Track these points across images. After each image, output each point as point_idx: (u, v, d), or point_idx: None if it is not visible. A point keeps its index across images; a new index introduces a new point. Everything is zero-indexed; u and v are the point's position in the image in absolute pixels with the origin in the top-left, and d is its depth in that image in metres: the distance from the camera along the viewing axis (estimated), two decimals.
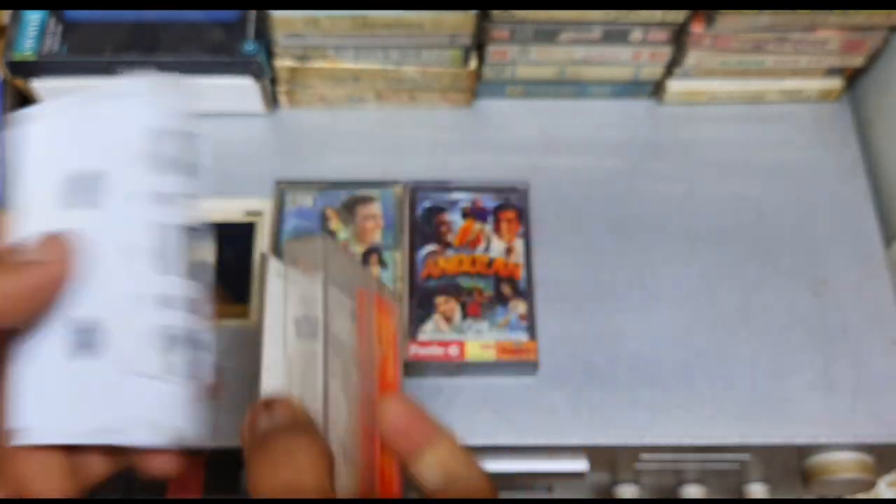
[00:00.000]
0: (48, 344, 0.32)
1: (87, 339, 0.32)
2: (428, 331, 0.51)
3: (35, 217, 0.33)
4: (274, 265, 0.34)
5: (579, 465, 0.51)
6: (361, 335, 0.34)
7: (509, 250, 0.54)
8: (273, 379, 0.32)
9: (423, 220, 0.55)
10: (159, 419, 0.32)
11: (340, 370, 0.33)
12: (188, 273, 0.33)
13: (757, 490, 0.58)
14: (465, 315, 0.52)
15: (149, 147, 0.33)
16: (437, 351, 0.50)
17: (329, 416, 0.31)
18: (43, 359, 0.32)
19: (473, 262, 0.53)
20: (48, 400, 0.32)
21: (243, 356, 0.51)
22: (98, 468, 0.34)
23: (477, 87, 0.60)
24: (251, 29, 0.55)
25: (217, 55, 0.55)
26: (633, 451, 0.52)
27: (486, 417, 0.51)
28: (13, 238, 0.33)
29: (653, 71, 0.59)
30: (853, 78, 0.62)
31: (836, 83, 0.61)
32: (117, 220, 0.32)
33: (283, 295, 0.33)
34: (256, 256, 0.54)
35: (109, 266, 0.32)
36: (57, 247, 0.32)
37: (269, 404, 0.31)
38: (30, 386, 0.32)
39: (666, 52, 0.57)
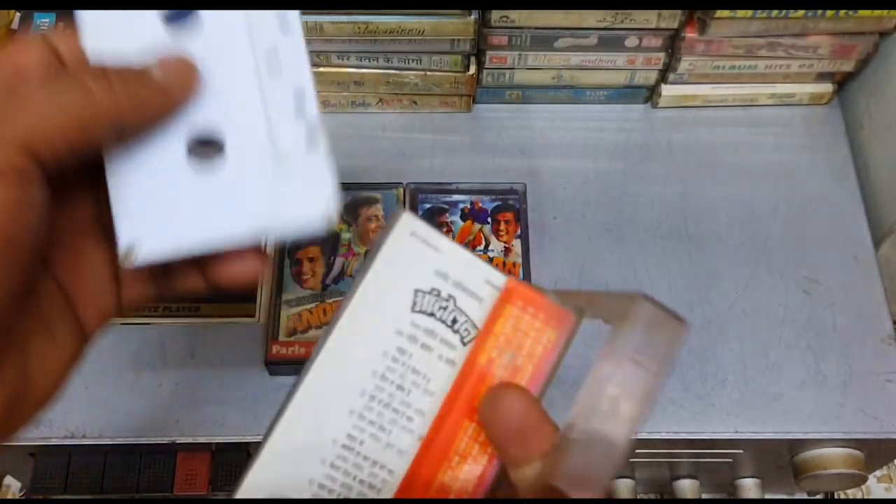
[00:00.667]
0: (167, 151, 0.30)
1: (208, 145, 0.30)
2: None
3: (135, 28, 0.31)
4: (410, 219, 0.31)
5: None
6: (487, 331, 0.30)
7: (507, 250, 0.55)
8: (348, 342, 0.29)
9: (424, 220, 0.56)
10: (308, 204, 0.31)
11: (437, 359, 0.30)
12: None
13: (749, 484, 0.59)
14: None
15: None
16: None
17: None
18: (163, 167, 0.30)
19: None
20: (171, 210, 0.30)
21: (249, 355, 0.53)
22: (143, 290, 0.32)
23: (476, 92, 0.61)
24: None
25: None
26: None
27: None
28: (104, 43, 0.30)
29: (647, 76, 0.60)
30: (844, 82, 0.63)
31: (826, 87, 0.62)
32: (222, 30, 0.31)
33: (411, 257, 0.31)
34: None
35: (222, 74, 0.31)
36: (179, 70, 0.30)
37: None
38: (148, 196, 0.30)
39: (660, 58, 0.59)
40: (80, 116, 0.27)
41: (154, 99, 0.29)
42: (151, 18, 0.31)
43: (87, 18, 0.31)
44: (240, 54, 0.31)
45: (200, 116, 0.30)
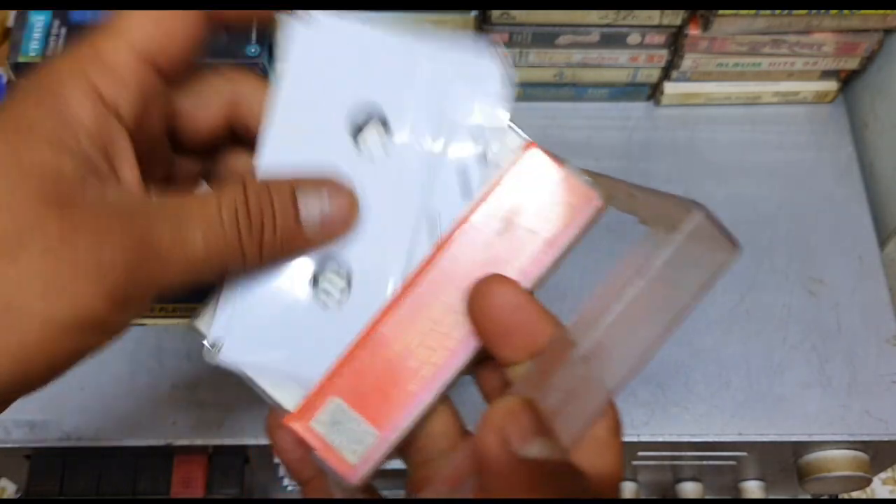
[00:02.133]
0: (293, 273, 0.29)
1: (336, 276, 0.29)
2: None
3: (312, 141, 0.29)
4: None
5: None
6: (490, 190, 0.28)
7: None
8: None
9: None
10: None
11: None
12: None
13: (753, 487, 0.58)
14: None
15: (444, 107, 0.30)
16: None
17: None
18: (281, 286, 0.29)
19: None
20: (275, 328, 0.29)
21: None
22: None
23: None
24: (254, 32, 0.56)
25: (220, 58, 0.55)
26: (631, 448, 0.52)
27: None
28: (277, 153, 0.28)
29: (650, 73, 0.60)
30: (848, 80, 0.62)
31: (831, 85, 0.62)
32: (394, 166, 0.29)
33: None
34: None
35: (381, 216, 0.29)
36: (344, 203, 0.28)
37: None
38: (258, 305, 0.29)
39: (663, 55, 0.58)
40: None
41: (301, 242, 0.27)
42: (340, 133, 0.29)
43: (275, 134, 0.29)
44: (408, 205, 0.29)
45: (343, 251, 0.29)
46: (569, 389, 0.24)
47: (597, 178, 0.29)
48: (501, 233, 0.28)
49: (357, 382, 0.28)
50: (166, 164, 0.29)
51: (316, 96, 0.30)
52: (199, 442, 0.49)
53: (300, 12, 0.30)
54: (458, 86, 0.30)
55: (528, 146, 0.29)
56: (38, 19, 0.56)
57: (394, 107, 0.30)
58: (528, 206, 0.28)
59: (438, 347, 0.28)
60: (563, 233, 0.28)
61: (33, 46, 0.55)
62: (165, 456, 0.50)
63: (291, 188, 0.27)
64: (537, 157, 0.29)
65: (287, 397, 0.28)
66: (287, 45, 0.30)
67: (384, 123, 0.30)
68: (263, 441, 0.50)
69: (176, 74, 0.27)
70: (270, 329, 0.29)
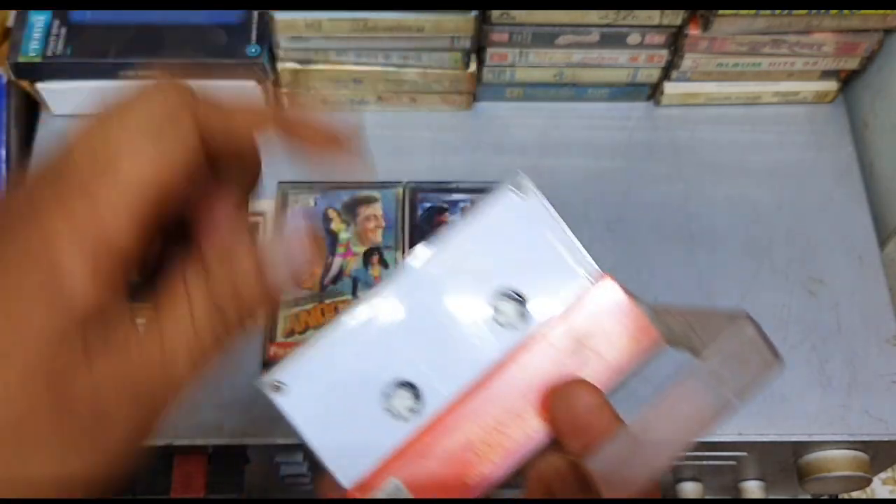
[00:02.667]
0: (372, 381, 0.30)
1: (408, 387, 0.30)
2: None
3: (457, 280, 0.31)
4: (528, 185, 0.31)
5: None
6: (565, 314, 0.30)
7: None
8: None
9: (424, 220, 0.55)
10: None
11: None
12: None
13: (753, 487, 0.58)
14: None
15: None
16: None
17: None
18: (352, 387, 0.30)
19: None
20: (334, 405, 0.30)
21: (247, 356, 0.52)
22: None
23: (477, 90, 0.61)
24: (254, 32, 0.56)
25: (220, 58, 0.55)
26: None
27: None
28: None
29: (650, 73, 0.60)
30: (848, 80, 0.62)
31: (831, 85, 0.62)
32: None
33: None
34: None
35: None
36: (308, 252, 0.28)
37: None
38: (321, 378, 0.30)
39: (663, 55, 0.58)
40: None
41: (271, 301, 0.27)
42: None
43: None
44: (479, 324, 0.30)
45: (413, 371, 0.30)
46: (615, 459, 0.26)
47: (659, 314, 0.31)
48: (571, 352, 0.30)
49: (417, 466, 0.29)
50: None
51: (482, 255, 0.31)
52: (199, 442, 0.49)
53: (526, 183, 0.32)
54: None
55: (603, 276, 0.31)
56: (38, 19, 0.56)
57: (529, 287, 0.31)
58: (598, 332, 0.30)
59: (497, 446, 0.29)
60: (626, 362, 0.30)
61: (33, 46, 0.55)
62: (165, 456, 0.50)
63: (255, 261, 0.26)
64: (612, 289, 0.31)
65: (341, 472, 0.29)
66: (492, 203, 0.32)
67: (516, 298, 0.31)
68: (263, 441, 0.50)
69: (178, 197, 0.26)
70: (336, 409, 0.30)
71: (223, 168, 0.28)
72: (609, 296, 0.31)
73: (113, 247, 0.24)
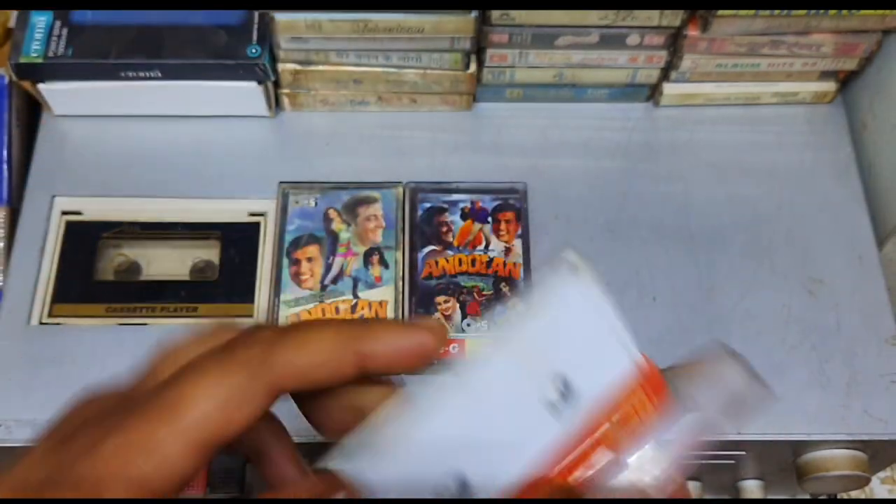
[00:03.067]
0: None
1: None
2: None
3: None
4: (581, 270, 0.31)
5: None
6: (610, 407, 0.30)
7: (508, 250, 0.55)
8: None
9: (424, 220, 0.55)
10: None
11: None
12: None
13: (752, 486, 0.58)
14: (464, 314, 0.52)
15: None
16: None
17: None
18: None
19: (473, 261, 0.54)
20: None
21: None
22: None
23: (476, 91, 0.61)
24: (254, 33, 0.56)
25: (221, 59, 0.56)
26: None
27: None
28: None
29: (649, 74, 0.60)
30: (847, 80, 0.63)
31: (830, 86, 0.62)
32: None
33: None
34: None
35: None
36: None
37: None
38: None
39: (662, 56, 0.58)
40: None
41: None
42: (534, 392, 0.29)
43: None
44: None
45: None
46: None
47: (669, 378, 0.31)
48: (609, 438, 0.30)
49: None
50: None
51: (537, 340, 0.30)
52: None
53: (576, 261, 0.32)
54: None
55: (647, 369, 0.31)
56: (40, 20, 0.57)
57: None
58: (634, 419, 0.30)
59: None
60: (649, 434, 0.30)
61: (35, 47, 0.56)
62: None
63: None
64: (654, 376, 0.31)
65: None
66: (550, 291, 0.31)
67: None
68: None
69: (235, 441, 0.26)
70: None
71: None
72: (647, 379, 0.31)
73: (166, 474, 0.24)
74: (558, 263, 0.31)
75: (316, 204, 0.56)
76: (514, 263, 0.54)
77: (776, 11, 0.54)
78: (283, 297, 0.52)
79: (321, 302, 0.52)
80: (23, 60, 0.55)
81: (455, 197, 0.56)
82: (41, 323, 0.53)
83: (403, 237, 0.55)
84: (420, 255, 0.54)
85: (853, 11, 0.54)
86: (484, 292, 0.53)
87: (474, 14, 0.53)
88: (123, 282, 0.55)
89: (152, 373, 0.27)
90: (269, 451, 0.30)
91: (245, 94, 0.58)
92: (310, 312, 0.52)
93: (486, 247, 0.55)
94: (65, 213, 0.57)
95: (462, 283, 0.53)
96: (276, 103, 0.61)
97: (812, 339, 0.54)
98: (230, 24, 0.56)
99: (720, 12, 0.54)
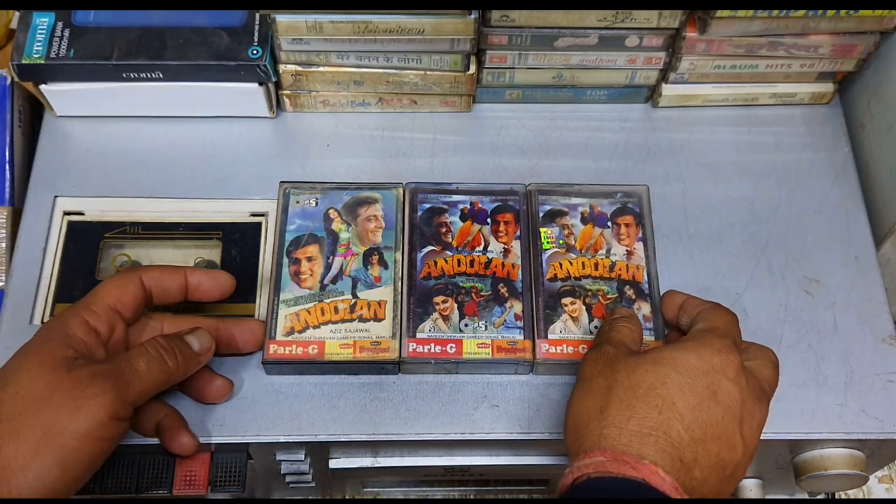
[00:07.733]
0: None
1: None
2: (427, 329, 0.52)
3: None
4: None
5: None
6: None
7: (507, 251, 0.55)
8: None
9: (424, 221, 0.56)
10: None
11: None
12: None
13: (750, 485, 0.59)
14: (462, 314, 0.53)
15: None
16: (435, 349, 0.52)
17: None
18: None
19: (472, 262, 0.54)
20: None
21: (247, 354, 0.52)
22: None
23: (476, 92, 0.61)
24: (256, 34, 0.56)
25: (223, 60, 0.56)
26: None
27: (485, 412, 0.52)
28: None
29: (648, 75, 0.60)
30: (844, 81, 0.63)
31: (827, 87, 0.62)
32: None
33: None
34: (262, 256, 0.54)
35: None
36: (206, 341, 0.50)
37: None
38: None
39: (661, 57, 0.59)
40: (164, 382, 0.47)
41: (195, 360, 0.49)
42: None
43: None
44: None
45: None
46: None
47: None
48: None
49: None
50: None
51: None
52: (201, 439, 0.50)
53: None
54: None
55: None
56: (42, 21, 0.57)
57: None
58: None
59: None
60: None
61: (37, 48, 0.56)
62: (168, 453, 0.50)
63: (183, 338, 0.48)
64: None
65: None
66: None
67: None
68: (265, 439, 0.50)
69: (131, 314, 0.49)
70: None
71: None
72: None
73: (97, 317, 0.47)
74: None
75: (316, 204, 0.56)
76: (513, 264, 0.54)
77: (774, 12, 0.54)
78: (282, 296, 0.53)
79: (320, 301, 0.52)
80: (25, 61, 0.56)
81: (455, 198, 0.57)
82: (43, 322, 0.53)
83: (403, 238, 0.55)
84: (419, 256, 0.54)
85: (851, 13, 0.55)
86: (482, 293, 0.53)
87: (474, 16, 0.54)
88: None
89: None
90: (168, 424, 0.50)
91: (246, 95, 0.59)
92: (309, 312, 0.52)
93: (485, 248, 0.55)
94: (67, 213, 0.57)
95: (461, 284, 0.54)
96: (277, 104, 0.61)
97: (809, 338, 0.55)
98: (231, 26, 0.57)
99: (718, 13, 0.54)
